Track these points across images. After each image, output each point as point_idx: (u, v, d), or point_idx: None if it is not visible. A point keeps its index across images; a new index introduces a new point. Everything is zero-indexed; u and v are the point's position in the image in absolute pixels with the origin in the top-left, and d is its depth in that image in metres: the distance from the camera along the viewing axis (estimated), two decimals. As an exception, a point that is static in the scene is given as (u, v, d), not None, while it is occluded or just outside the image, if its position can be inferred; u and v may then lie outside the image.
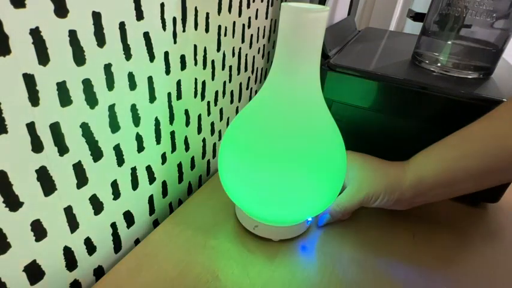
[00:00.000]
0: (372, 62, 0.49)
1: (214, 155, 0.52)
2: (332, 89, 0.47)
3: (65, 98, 0.25)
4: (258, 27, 0.52)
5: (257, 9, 0.49)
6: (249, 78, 0.54)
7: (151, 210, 0.41)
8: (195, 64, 0.39)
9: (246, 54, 0.51)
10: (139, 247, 0.37)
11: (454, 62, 0.46)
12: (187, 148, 0.44)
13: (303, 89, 0.31)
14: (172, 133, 0.40)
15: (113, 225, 0.35)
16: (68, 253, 0.30)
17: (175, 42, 0.35)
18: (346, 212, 0.40)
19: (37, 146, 0.25)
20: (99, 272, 0.35)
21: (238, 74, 0.51)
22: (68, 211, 0.29)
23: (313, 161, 0.32)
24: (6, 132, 0.22)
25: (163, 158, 0.39)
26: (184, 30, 0.36)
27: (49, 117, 0.25)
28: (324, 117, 0.33)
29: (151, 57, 0.32)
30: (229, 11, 0.43)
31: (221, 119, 0.50)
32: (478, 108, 0.38)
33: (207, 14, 0.38)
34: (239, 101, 0.54)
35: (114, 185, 0.33)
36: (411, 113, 0.44)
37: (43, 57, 0.23)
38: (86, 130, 0.28)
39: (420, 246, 0.40)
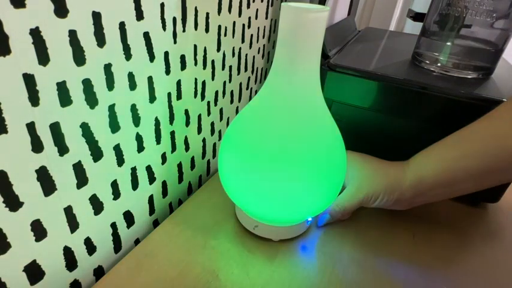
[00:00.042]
0: (372, 62, 0.49)
1: (214, 155, 0.52)
2: (332, 89, 0.47)
3: (65, 98, 0.25)
4: (258, 27, 0.52)
5: (257, 9, 0.49)
6: (249, 78, 0.54)
7: (151, 210, 0.41)
8: (195, 64, 0.39)
9: (246, 54, 0.51)
10: (139, 247, 0.37)
11: (454, 62, 0.46)
12: (187, 148, 0.44)
13: (303, 89, 0.31)
14: (172, 133, 0.40)
15: (113, 225, 0.35)
16: (68, 253, 0.30)
17: (175, 42, 0.35)
18: (346, 212, 0.40)
19: (37, 146, 0.25)
20: (99, 272, 0.35)
21: (238, 74, 0.51)
22: (68, 211, 0.29)
23: (313, 161, 0.32)
24: (6, 132, 0.22)
25: (163, 158, 0.39)
26: (184, 30, 0.36)
27: (49, 117, 0.25)
28: (324, 117, 0.33)
29: (151, 57, 0.32)
30: (229, 11, 0.43)
31: (221, 119, 0.50)
32: (478, 108, 0.38)
33: (207, 14, 0.38)
34: (239, 101, 0.54)
35: (114, 185, 0.33)
36: (411, 113, 0.44)
37: (43, 57, 0.23)
38: (86, 130, 0.28)
39: (420, 246, 0.40)
